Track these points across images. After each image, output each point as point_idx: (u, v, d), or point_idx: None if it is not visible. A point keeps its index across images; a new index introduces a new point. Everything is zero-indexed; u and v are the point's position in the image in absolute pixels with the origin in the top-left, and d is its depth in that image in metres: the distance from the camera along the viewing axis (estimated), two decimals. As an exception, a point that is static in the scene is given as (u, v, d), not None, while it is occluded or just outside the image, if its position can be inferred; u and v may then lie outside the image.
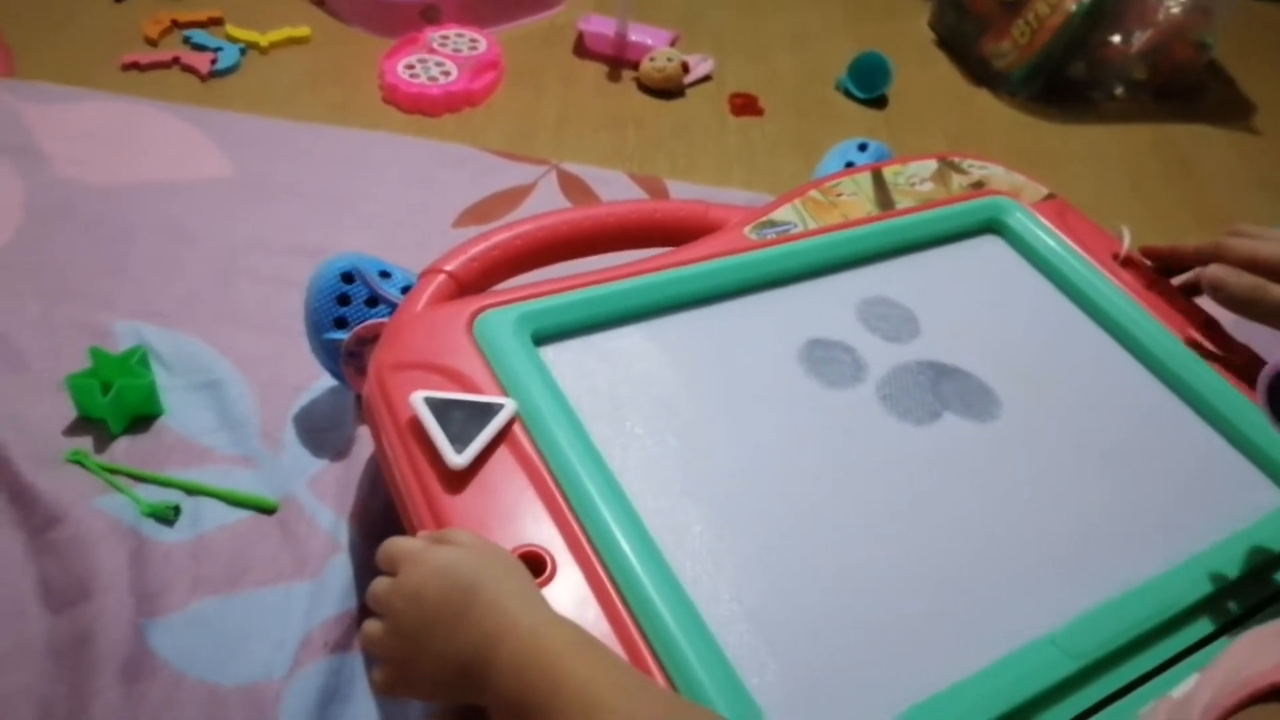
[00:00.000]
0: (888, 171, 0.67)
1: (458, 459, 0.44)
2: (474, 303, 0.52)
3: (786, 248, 0.59)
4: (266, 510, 0.60)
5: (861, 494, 0.47)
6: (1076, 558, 0.46)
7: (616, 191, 0.92)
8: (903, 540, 0.46)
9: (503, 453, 0.45)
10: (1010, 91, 1.40)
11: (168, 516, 0.58)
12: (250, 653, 0.53)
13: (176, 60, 1.07)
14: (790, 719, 0.38)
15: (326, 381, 0.67)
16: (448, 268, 0.56)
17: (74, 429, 0.63)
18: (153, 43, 1.11)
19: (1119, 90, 1.43)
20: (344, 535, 0.58)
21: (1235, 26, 1.44)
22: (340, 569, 0.56)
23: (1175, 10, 1.37)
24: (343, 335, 0.62)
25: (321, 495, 0.61)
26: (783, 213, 0.62)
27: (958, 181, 0.68)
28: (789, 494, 0.47)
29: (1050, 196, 0.68)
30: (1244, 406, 0.53)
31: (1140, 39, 1.37)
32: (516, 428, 0.46)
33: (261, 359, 0.69)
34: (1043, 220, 0.64)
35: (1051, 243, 0.63)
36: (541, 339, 0.51)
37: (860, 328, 0.56)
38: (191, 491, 0.60)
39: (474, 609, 0.36)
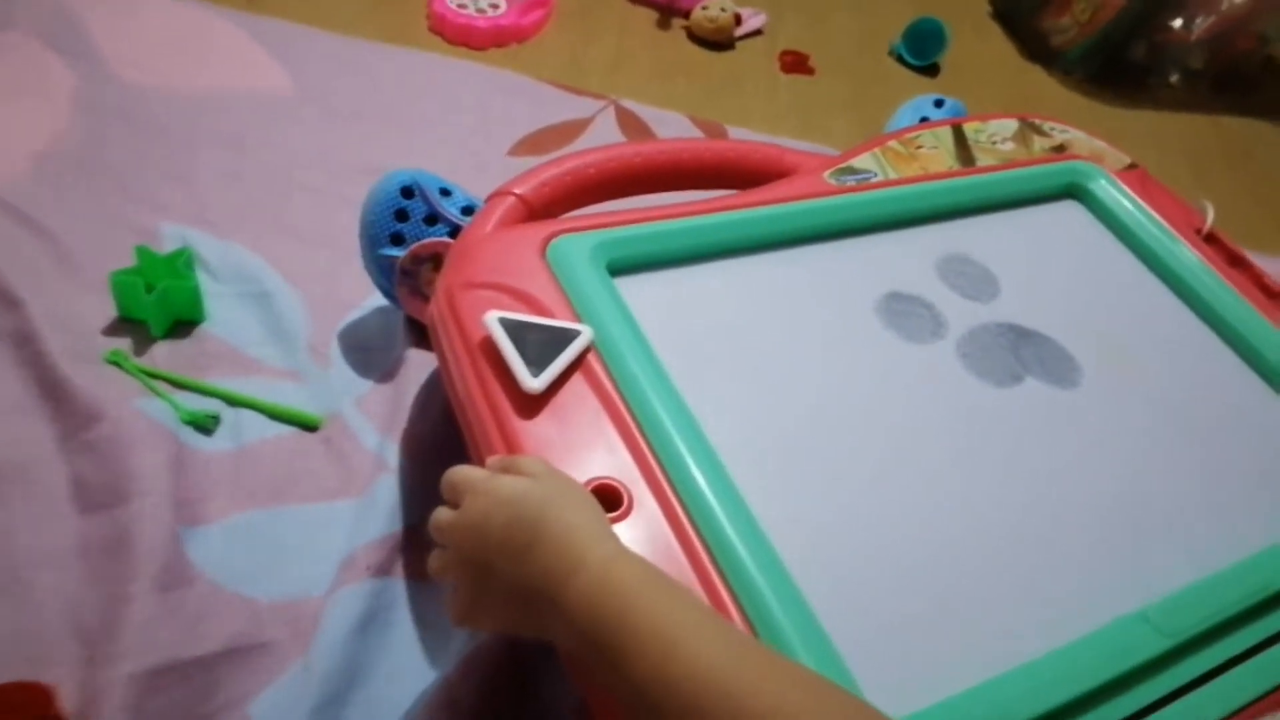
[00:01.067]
0: (968, 128, 0.65)
1: (534, 382, 0.42)
2: (548, 227, 0.50)
3: (868, 195, 0.56)
4: (310, 426, 0.58)
5: (943, 451, 0.46)
6: (1163, 532, 0.45)
7: (676, 132, 0.90)
8: (986, 502, 0.44)
9: (577, 380, 0.43)
10: (1066, 70, 1.36)
11: (207, 425, 0.56)
12: (290, 569, 0.51)
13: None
14: (872, 668, 0.36)
15: (377, 300, 0.65)
16: (518, 190, 0.53)
17: (114, 329, 0.61)
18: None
19: (1174, 78, 1.40)
20: (391, 457, 0.56)
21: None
22: (386, 490, 0.54)
23: (1240, -1, 1.33)
24: (399, 252, 0.59)
25: (369, 414, 0.59)
26: (862, 160, 0.60)
27: (1039, 144, 0.66)
28: (867, 445, 0.45)
29: (1132, 166, 0.65)
30: None
31: (1202, 25, 1.33)
32: (591, 357, 0.44)
33: (313, 274, 0.67)
34: (1126, 189, 0.62)
35: (1135, 212, 0.61)
36: (617, 269, 0.49)
37: (940, 284, 0.54)
38: (233, 402, 0.58)
39: (541, 543, 0.34)
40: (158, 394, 0.57)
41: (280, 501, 0.54)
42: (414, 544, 0.53)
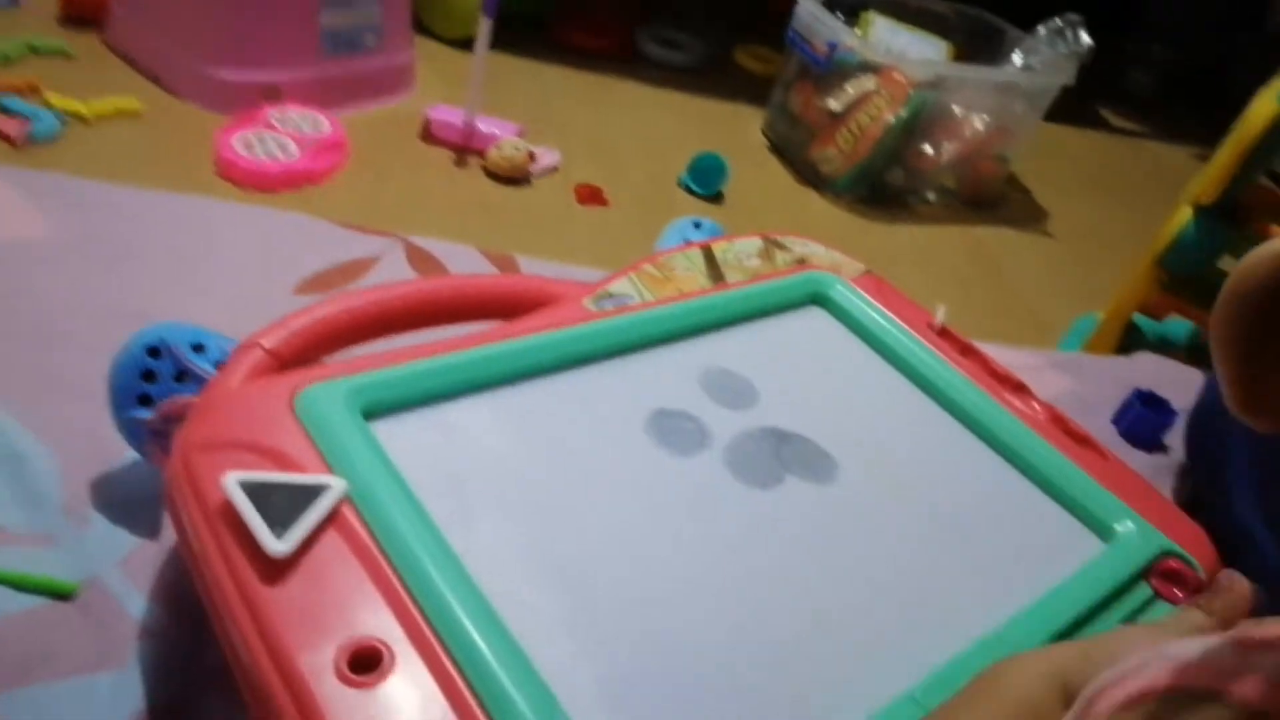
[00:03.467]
0: (717, 248, 0.70)
1: (278, 545, 0.40)
2: (295, 376, 0.49)
3: (626, 319, 0.59)
4: (64, 594, 0.52)
5: (713, 562, 0.47)
6: (923, 614, 0.47)
7: (467, 266, 0.91)
8: (758, 607, 0.45)
9: (331, 537, 0.42)
10: (836, 194, 1.52)
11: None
12: None
13: (-15, 123, 0.99)
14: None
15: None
16: (265, 343, 0.52)
17: None
18: (-42, 106, 1.02)
19: (932, 196, 1.59)
20: (153, 619, 0.52)
21: (1032, 145, 1.64)
22: (152, 658, 0.50)
23: (979, 127, 1.54)
24: (146, 413, 0.56)
25: (133, 577, 0.54)
26: (620, 285, 0.63)
27: (781, 258, 0.71)
28: (640, 566, 0.46)
29: (866, 272, 0.72)
30: (1059, 462, 0.57)
31: (949, 150, 1.53)
32: (346, 509, 0.43)
33: (71, 429, 0.62)
34: (862, 293, 0.68)
35: (871, 313, 0.67)
36: (372, 414, 0.48)
37: (703, 396, 0.57)
38: (-28, 576, 0.52)
39: None
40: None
41: (29, 681, 0.48)
42: (182, 714, 0.48)
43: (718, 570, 0.47)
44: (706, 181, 1.41)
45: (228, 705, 0.50)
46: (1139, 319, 1.19)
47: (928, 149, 1.53)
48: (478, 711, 0.36)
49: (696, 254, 0.68)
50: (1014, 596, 0.48)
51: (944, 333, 0.68)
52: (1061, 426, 0.61)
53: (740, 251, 0.70)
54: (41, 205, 0.84)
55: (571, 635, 0.41)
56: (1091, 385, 0.91)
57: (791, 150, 1.60)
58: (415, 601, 0.40)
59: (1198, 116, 2.11)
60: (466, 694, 0.37)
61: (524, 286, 0.62)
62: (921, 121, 1.49)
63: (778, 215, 1.44)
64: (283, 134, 1.11)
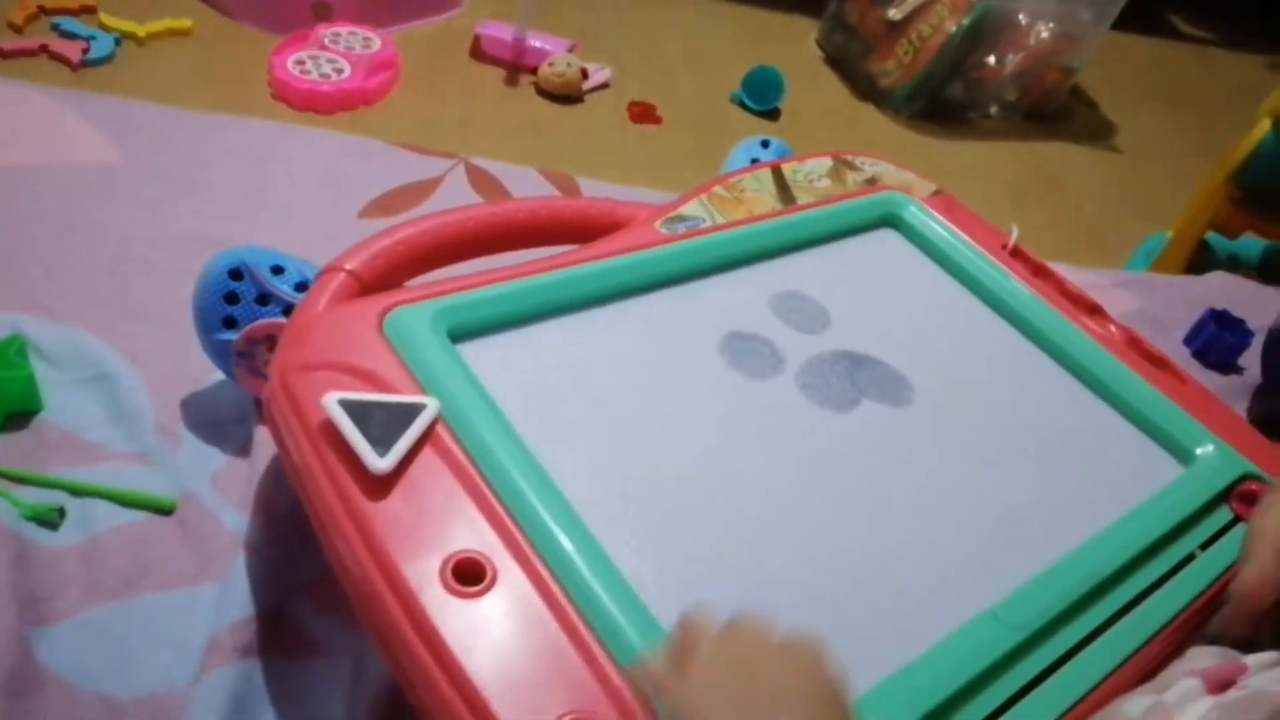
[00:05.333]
0: (786, 169, 0.69)
1: (380, 462, 0.41)
2: (383, 300, 0.50)
3: (699, 241, 0.59)
4: (164, 510, 0.55)
5: (793, 482, 0.48)
6: (1001, 535, 0.48)
7: (528, 187, 0.91)
8: (836, 526, 0.46)
9: (427, 455, 0.43)
10: (894, 109, 1.47)
11: (52, 519, 0.53)
12: (151, 661, 0.49)
13: (44, 48, 0.99)
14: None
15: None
16: (348, 265, 0.53)
17: (-59, 425, 0.56)
18: (18, 29, 1.03)
19: (993, 110, 1.53)
20: (251, 533, 0.54)
21: (1098, 55, 1.56)
22: (248, 569, 0.52)
23: (1045, 36, 1.47)
24: (233, 335, 0.58)
25: (225, 492, 0.57)
26: (690, 208, 0.63)
27: (852, 178, 0.70)
28: (726, 487, 0.47)
29: (938, 192, 0.71)
30: (1138, 385, 0.57)
31: (1013, 61, 1.46)
32: (440, 428, 0.44)
33: (155, 352, 0.64)
34: (935, 214, 0.67)
35: (945, 234, 0.65)
36: (458, 336, 0.49)
37: (775, 320, 0.57)
38: (78, 492, 0.55)
39: None
40: (-5, 491, 0.54)
41: (135, 592, 0.51)
42: (280, 621, 0.51)
43: (797, 490, 0.47)
44: (762, 96, 1.37)
45: (321, 613, 0.52)
46: (1211, 237, 1.15)
47: (990, 60, 1.46)
48: (577, 622, 0.38)
49: (766, 175, 0.67)
50: (1093, 519, 0.49)
51: (1017, 253, 0.66)
52: (1138, 349, 0.61)
53: (810, 172, 0.69)
54: (109, 130, 0.84)
55: (659, 551, 0.43)
56: (1162, 305, 0.89)
57: (848, 63, 1.55)
58: (512, 517, 0.41)
59: (1270, 24, 1.99)
60: (566, 605, 0.39)
61: (596, 210, 0.62)
62: (984, 30, 1.42)
63: (834, 132, 1.40)
64: (335, 53, 1.10)
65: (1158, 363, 0.60)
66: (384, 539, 0.40)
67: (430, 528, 0.40)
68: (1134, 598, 0.46)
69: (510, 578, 0.39)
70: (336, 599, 0.53)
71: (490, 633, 0.38)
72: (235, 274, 0.59)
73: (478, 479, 0.42)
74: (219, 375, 0.64)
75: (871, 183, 0.70)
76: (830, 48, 1.60)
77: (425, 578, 0.39)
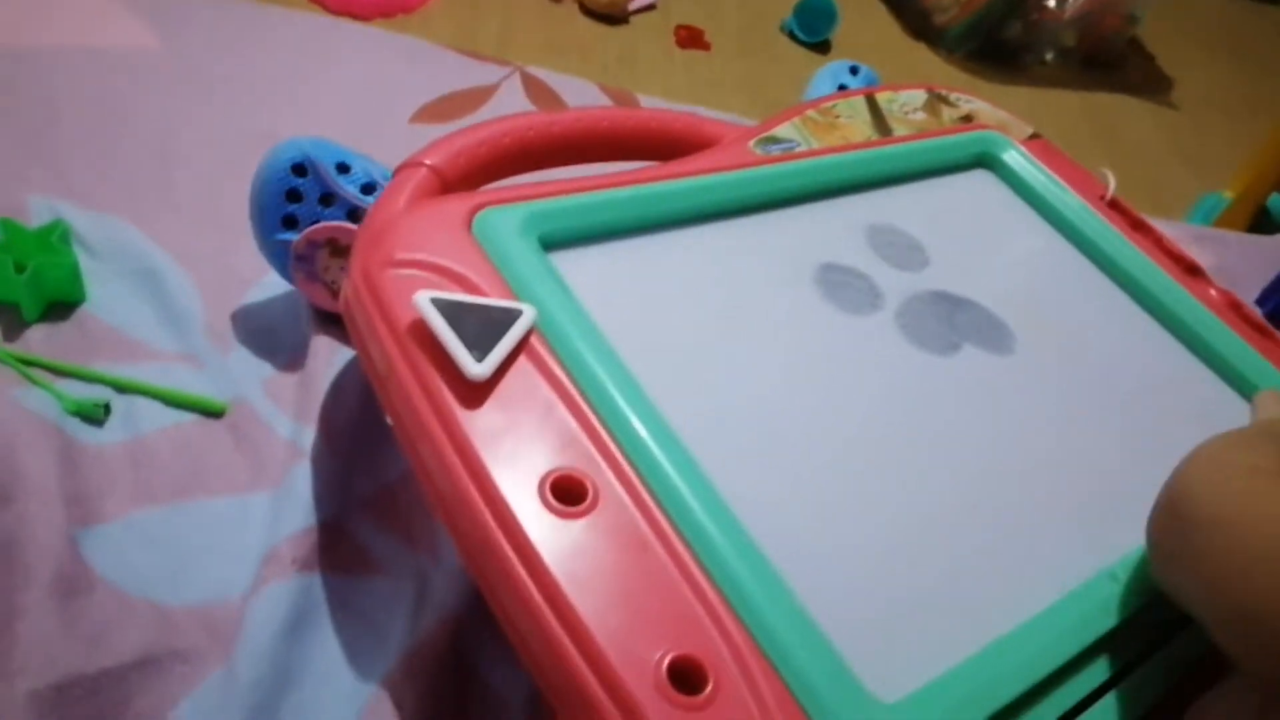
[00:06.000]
0: (881, 98, 0.65)
1: (478, 368, 0.38)
2: (470, 199, 0.46)
3: (796, 165, 0.55)
4: (214, 413, 0.52)
5: (898, 424, 0.45)
6: (1107, 495, 0.45)
7: (586, 99, 0.86)
8: (945, 473, 0.44)
9: (522, 365, 0.40)
10: (948, 48, 1.41)
11: (96, 415, 0.50)
12: (203, 569, 0.46)
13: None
14: (861, 653, 0.35)
15: (278, 277, 0.59)
16: (430, 161, 0.49)
17: (-21, 314, 0.53)
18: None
19: (1049, 55, 1.48)
20: (306, 443, 0.51)
21: (1159, 4, 1.50)
22: (305, 479, 0.50)
23: (1109, -22, 1.41)
24: (293, 235, 0.54)
25: (278, 400, 0.54)
26: (784, 130, 0.59)
27: (947, 114, 0.66)
28: (824, 421, 0.44)
29: (1035, 135, 0.67)
30: (1242, 350, 0.54)
31: (1074, 4, 1.41)
32: (534, 338, 0.41)
33: (203, 251, 0.61)
34: (1032, 157, 0.63)
35: (1045, 180, 0.62)
36: (549, 244, 0.46)
37: (871, 254, 0.54)
38: (124, 389, 0.52)
39: None
40: (37, 383, 0.51)
41: (187, 496, 0.49)
42: (340, 536, 0.49)
43: (902, 433, 0.45)
44: (813, 27, 1.31)
45: (381, 532, 0.50)
46: (1274, 200, 1.11)
47: (1051, 2, 1.41)
48: (679, 545, 0.36)
49: (860, 102, 0.63)
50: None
51: (1114, 204, 0.63)
52: (1239, 313, 0.58)
53: (905, 103, 0.65)
54: (149, 15, 0.79)
55: (755, 478, 0.40)
56: (1236, 262, 0.86)
57: (904, -3, 1.49)
58: (612, 435, 0.38)
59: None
60: (672, 535, 0.36)
61: (682, 124, 0.58)
62: (1048, -30, 1.37)
63: (886, 69, 1.35)
64: (375, -51, 1.03)
65: (1259, 329, 0.57)
66: (479, 449, 0.37)
67: (528, 441, 0.38)
68: None
69: (612, 500, 0.37)
70: (398, 517, 0.51)
71: (592, 557, 0.35)
72: (299, 169, 0.55)
73: (575, 394, 0.39)
74: (269, 279, 0.60)
75: (967, 119, 0.66)
76: (884, -18, 1.53)
77: (524, 493, 0.36)
